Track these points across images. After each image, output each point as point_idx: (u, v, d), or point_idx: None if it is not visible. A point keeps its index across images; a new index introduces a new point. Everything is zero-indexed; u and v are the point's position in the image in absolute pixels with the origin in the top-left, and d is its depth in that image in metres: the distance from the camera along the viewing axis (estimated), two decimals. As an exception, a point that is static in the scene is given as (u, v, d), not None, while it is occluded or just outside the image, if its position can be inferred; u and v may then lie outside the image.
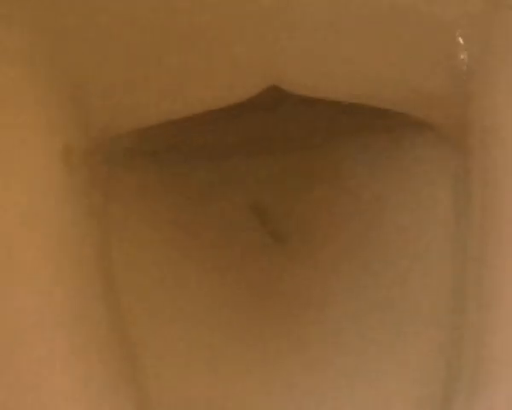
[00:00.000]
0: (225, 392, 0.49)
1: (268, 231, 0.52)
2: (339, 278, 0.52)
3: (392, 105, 0.51)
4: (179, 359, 0.50)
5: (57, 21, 0.46)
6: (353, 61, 0.49)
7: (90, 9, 0.46)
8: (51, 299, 0.42)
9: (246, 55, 0.49)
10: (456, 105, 0.49)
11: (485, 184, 0.45)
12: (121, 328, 0.48)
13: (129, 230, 0.52)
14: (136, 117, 0.50)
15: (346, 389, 0.49)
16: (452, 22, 0.46)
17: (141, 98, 0.49)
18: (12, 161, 0.42)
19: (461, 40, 0.46)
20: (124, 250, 0.50)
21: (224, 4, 0.47)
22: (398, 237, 0.52)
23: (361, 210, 0.54)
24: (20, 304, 0.41)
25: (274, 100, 0.52)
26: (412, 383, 0.48)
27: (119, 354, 0.47)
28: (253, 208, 0.52)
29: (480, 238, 0.45)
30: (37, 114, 0.45)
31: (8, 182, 0.42)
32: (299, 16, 0.47)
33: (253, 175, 0.54)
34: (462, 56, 0.46)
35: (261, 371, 0.49)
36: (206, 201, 0.53)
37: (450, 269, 0.49)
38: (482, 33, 0.46)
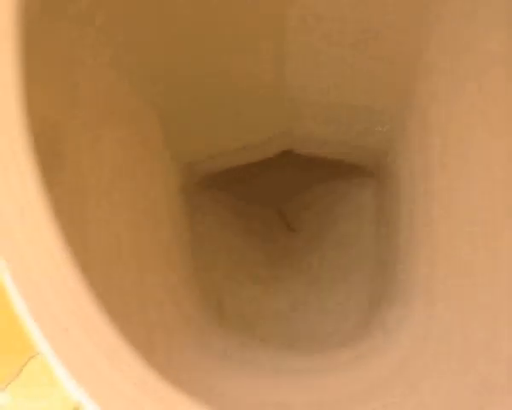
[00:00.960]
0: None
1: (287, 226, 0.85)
2: (318, 248, 0.82)
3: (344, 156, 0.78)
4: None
5: (167, 97, 0.67)
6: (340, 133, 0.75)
7: (192, 83, 0.67)
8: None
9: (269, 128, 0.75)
10: (378, 156, 0.75)
11: (397, 212, 0.70)
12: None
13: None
14: (211, 165, 0.78)
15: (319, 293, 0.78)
16: (377, 110, 0.69)
17: (214, 154, 0.76)
18: (141, 185, 0.64)
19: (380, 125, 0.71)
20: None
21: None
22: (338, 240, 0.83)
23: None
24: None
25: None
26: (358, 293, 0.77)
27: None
28: (279, 213, 0.86)
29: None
30: (146, 161, 0.66)
31: (140, 199, 0.63)
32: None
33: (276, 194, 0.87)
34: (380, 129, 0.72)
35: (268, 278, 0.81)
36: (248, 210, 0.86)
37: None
38: (397, 117, 0.69)
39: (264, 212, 0.87)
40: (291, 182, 0.87)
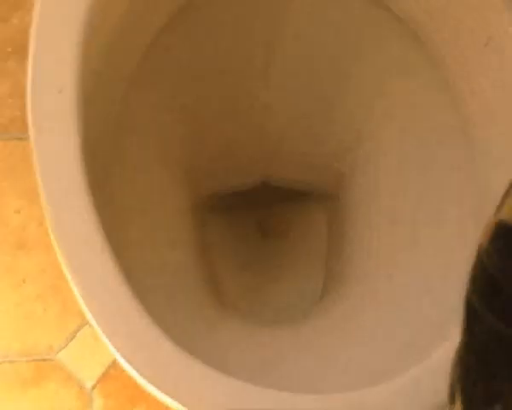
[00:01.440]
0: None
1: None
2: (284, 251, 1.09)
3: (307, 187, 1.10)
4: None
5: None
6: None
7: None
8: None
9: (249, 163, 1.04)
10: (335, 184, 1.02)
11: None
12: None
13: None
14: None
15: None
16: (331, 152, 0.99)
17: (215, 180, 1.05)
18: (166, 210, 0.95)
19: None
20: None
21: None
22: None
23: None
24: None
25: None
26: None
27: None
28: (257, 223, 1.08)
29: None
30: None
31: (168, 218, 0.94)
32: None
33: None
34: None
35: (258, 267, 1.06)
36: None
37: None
38: (350, 155, 0.99)
39: (248, 226, 1.12)
40: (267, 206, 1.12)
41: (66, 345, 1.05)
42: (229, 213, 1.06)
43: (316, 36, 0.94)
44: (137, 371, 0.67)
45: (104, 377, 1.04)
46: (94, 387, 1.04)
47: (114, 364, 1.05)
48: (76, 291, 0.68)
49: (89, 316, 0.68)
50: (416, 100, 0.91)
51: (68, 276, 0.68)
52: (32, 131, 0.70)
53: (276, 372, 0.79)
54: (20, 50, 1.15)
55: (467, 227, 0.81)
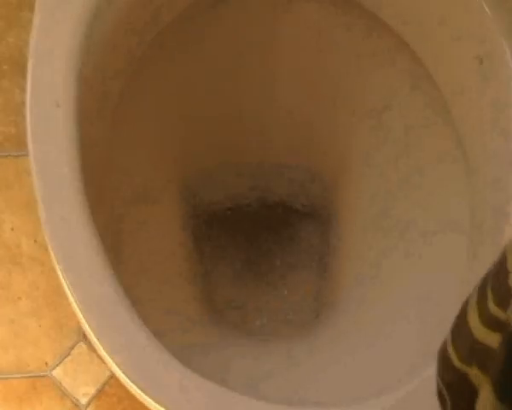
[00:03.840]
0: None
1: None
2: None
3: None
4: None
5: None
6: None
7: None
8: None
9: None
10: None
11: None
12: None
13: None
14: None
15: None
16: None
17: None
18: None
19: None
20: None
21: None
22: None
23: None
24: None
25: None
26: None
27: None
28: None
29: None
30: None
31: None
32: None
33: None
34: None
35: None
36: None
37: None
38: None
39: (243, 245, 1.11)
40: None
41: (61, 362, 1.05)
42: (226, 232, 1.07)
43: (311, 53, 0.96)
44: (136, 384, 0.67)
45: (99, 394, 1.04)
46: (88, 404, 1.04)
47: (109, 381, 1.05)
48: (76, 307, 0.68)
49: (87, 331, 0.69)
50: (412, 121, 0.92)
51: (68, 290, 0.69)
52: (30, 146, 0.71)
53: (271, 385, 0.80)
54: (16, 68, 1.15)
55: (461, 259, 0.82)
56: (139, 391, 0.68)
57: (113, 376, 1.04)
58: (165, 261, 0.94)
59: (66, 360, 1.05)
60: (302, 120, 1.02)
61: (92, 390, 1.04)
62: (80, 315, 0.68)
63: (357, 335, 0.87)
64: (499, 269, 0.45)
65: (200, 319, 0.93)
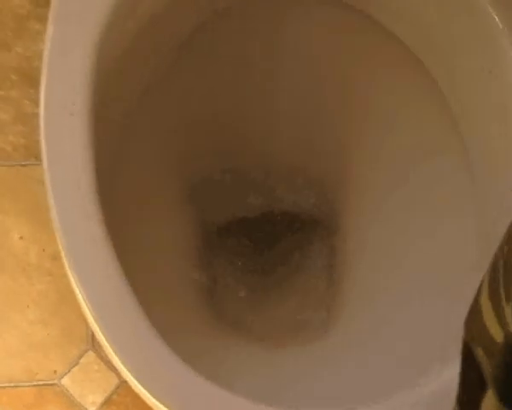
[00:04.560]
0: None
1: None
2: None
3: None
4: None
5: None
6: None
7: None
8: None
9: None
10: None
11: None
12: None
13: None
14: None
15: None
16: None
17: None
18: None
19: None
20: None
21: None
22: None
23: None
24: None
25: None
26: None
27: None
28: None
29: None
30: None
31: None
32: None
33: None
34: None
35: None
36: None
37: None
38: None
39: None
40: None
41: (70, 370, 1.05)
42: (233, 239, 1.08)
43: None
44: (148, 391, 0.68)
45: (107, 402, 1.04)
46: (96, 412, 1.05)
47: (117, 390, 1.05)
48: (89, 315, 0.69)
49: (98, 333, 0.69)
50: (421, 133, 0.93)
51: (81, 298, 0.69)
52: (44, 154, 0.71)
53: (283, 393, 0.80)
54: (25, 78, 1.16)
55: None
56: (151, 398, 0.68)
57: (121, 385, 1.04)
58: (172, 270, 0.94)
59: (74, 368, 1.05)
60: (307, 126, 1.03)
61: (100, 399, 1.04)
62: (94, 324, 0.68)
63: (367, 344, 0.88)
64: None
65: (207, 326, 0.93)
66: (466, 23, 0.83)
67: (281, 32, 0.97)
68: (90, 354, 1.05)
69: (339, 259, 1.02)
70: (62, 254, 0.70)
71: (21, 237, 1.10)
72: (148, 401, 0.69)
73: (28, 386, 1.05)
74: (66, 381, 1.05)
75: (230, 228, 1.06)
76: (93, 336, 1.02)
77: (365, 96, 0.96)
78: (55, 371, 1.05)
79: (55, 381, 1.05)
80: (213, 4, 0.92)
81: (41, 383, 1.05)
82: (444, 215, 0.90)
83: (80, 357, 1.05)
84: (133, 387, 0.70)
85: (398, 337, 0.85)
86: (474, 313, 0.47)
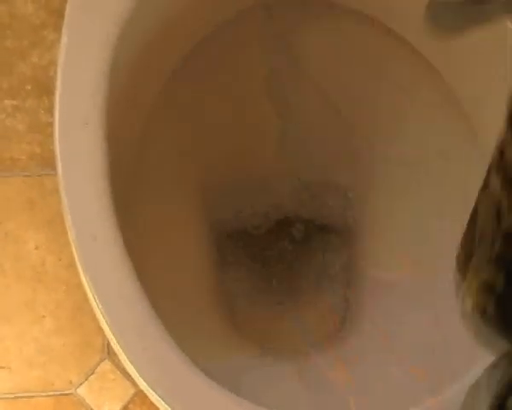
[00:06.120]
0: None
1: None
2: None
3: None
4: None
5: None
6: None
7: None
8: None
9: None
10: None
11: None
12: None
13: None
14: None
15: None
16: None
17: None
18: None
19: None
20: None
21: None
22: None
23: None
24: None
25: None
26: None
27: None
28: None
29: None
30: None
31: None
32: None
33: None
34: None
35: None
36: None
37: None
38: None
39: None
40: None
41: (86, 380, 1.05)
42: (247, 248, 1.07)
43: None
44: (164, 400, 0.68)
45: (123, 412, 1.05)
46: (113, 422, 1.04)
47: (133, 399, 1.05)
48: (106, 326, 0.68)
49: (114, 342, 0.69)
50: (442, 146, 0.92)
51: (97, 309, 0.69)
52: (59, 163, 0.71)
53: (300, 403, 0.80)
54: (40, 88, 1.16)
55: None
56: (167, 407, 0.68)
57: (137, 394, 1.04)
58: (188, 280, 0.94)
59: (90, 378, 1.05)
60: (322, 135, 1.02)
61: (117, 408, 1.04)
62: (109, 333, 0.68)
63: (385, 354, 0.87)
64: None
65: (224, 335, 0.93)
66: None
67: (293, 41, 0.96)
68: (107, 363, 1.05)
69: (355, 268, 1.01)
70: (77, 263, 0.70)
71: (37, 247, 1.10)
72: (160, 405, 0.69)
73: (45, 396, 1.05)
74: (82, 390, 1.05)
75: (244, 237, 1.06)
76: (109, 345, 1.01)
77: (376, 102, 0.96)
78: (71, 381, 1.05)
79: (72, 391, 1.05)
80: (221, 15, 0.92)
81: (58, 393, 1.05)
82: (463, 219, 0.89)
83: (96, 366, 1.05)
84: (149, 396, 0.69)
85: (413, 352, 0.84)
86: None
